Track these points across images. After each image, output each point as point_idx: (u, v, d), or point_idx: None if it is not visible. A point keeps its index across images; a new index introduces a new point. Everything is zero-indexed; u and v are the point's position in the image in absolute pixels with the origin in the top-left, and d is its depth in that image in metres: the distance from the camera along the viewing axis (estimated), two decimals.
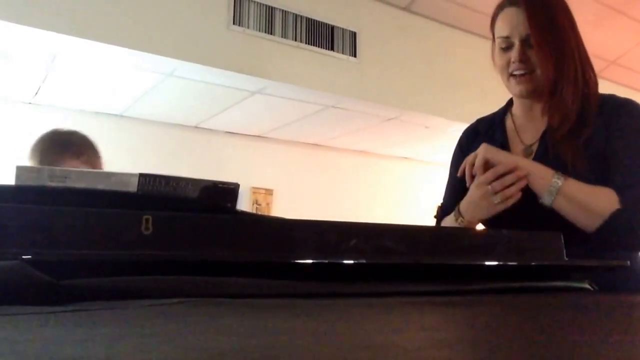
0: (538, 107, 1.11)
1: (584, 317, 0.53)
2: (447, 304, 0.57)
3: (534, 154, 1.09)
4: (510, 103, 1.22)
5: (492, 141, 1.14)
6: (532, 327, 0.45)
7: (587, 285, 0.81)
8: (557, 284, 0.78)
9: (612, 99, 1.08)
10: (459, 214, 1.07)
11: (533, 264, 0.78)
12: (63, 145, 1.60)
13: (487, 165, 1.01)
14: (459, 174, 1.07)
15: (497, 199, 0.98)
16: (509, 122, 1.17)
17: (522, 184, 0.98)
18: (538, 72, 1.05)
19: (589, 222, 0.97)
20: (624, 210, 0.95)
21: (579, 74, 1.05)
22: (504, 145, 1.13)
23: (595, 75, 1.09)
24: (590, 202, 0.96)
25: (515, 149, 1.13)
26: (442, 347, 0.33)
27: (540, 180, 0.98)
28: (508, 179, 0.98)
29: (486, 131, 1.20)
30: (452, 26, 3.79)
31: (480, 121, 1.25)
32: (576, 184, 0.97)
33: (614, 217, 0.95)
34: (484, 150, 1.01)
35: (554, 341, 0.36)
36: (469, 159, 1.04)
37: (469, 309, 0.56)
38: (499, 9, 1.11)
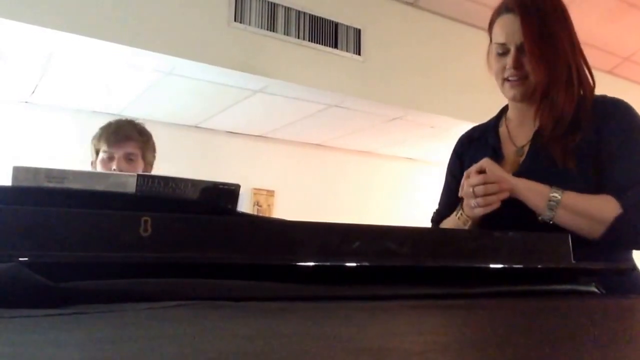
0: (530, 111, 1.15)
1: (590, 321, 0.54)
2: (450, 308, 0.57)
3: (524, 155, 1.13)
4: (505, 109, 1.26)
5: (485, 145, 1.20)
6: (537, 331, 0.45)
7: (594, 289, 0.81)
8: (564, 287, 0.78)
9: (602, 100, 1.11)
10: (461, 208, 1.11)
11: (539, 266, 0.78)
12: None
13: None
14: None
15: (474, 202, 1.02)
16: (502, 127, 1.22)
17: (503, 195, 1.00)
18: (531, 77, 1.09)
19: (593, 231, 1.00)
20: (625, 213, 0.98)
21: (573, 77, 1.09)
22: (496, 148, 1.18)
23: (592, 77, 1.12)
24: (592, 211, 0.99)
25: (508, 151, 1.17)
26: (444, 350, 0.34)
27: (538, 196, 1.00)
28: (490, 188, 1.00)
29: (479, 137, 1.25)
30: (460, 21, 3.77)
31: (475, 129, 1.30)
32: (574, 195, 1.00)
33: (617, 221, 0.97)
34: (484, 162, 1.05)
35: (559, 345, 0.36)
36: (470, 169, 1.06)
37: (473, 312, 0.56)
38: (497, 14, 1.15)
